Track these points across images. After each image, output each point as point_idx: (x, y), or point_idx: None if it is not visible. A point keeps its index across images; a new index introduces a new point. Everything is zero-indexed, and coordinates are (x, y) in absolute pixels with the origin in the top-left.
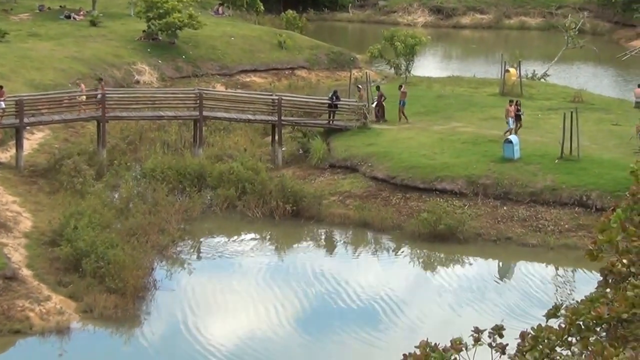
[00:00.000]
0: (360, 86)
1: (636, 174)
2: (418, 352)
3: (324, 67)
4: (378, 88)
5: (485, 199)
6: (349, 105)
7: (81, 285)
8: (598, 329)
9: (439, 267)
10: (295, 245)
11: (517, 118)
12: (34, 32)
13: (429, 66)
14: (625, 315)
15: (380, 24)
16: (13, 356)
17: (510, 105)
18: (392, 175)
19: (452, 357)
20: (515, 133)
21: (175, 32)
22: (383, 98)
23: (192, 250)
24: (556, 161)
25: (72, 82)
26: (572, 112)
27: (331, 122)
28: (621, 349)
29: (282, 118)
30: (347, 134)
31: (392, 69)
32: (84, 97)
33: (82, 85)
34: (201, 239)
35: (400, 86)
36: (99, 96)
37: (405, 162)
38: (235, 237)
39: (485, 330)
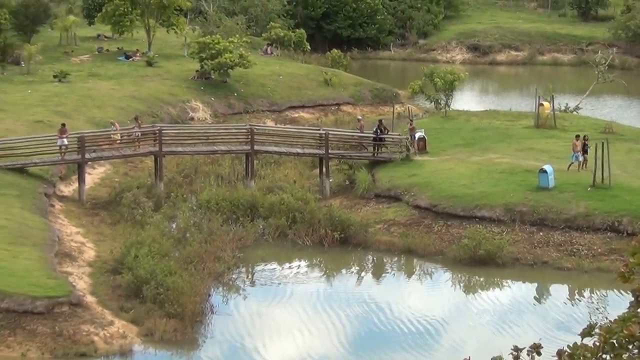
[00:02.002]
0: (412, 119)
1: None
2: None
3: (368, 102)
4: (381, 122)
5: (522, 226)
6: (392, 138)
7: (142, 311)
8: (630, 347)
9: (479, 290)
10: (343, 271)
11: (584, 151)
12: (94, 73)
13: (467, 100)
14: None
15: (420, 62)
16: None
17: (577, 140)
18: (434, 204)
19: None
20: (584, 166)
21: (227, 71)
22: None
23: (246, 276)
24: (589, 189)
25: (129, 119)
26: (603, 143)
27: (376, 154)
28: None
29: (329, 151)
30: (391, 165)
31: (432, 103)
32: (119, 135)
33: (117, 125)
34: (255, 266)
35: (410, 122)
36: (137, 133)
37: (445, 191)
38: (287, 264)
39: (524, 348)
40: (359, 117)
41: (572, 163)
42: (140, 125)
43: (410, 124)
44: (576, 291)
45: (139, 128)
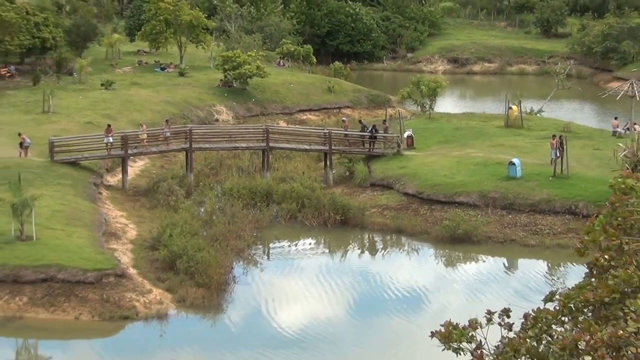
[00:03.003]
0: (385, 120)
1: (614, 187)
2: (443, 329)
3: (365, 106)
4: (360, 121)
5: (494, 209)
6: (385, 136)
7: (176, 281)
8: (586, 310)
9: (458, 263)
10: (344, 248)
11: (561, 146)
12: (134, 82)
13: (447, 105)
14: (607, 299)
15: (408, 72)
16: (123, 337)
17: (553, 139)
18: (420, 191)
19: (470, 334)
20: (556, 161)
21: (246, 80)
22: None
23: (262, 252)
24: (550, 179)
25: (163, 121)
26: (555, 139)
27: (371, 150)
28: (604, 326)
29: (332, 147)
30: (384, 159)
31: (419, 107)
32: (145, 135)
33: (144, 126)
34: (270, 244)
35: (384, 122)
36: (167, 134)
37: (430, 180)
38: (297, 242)
39: (495, 312)
40: (344, 119)
41: (553, 159)
42: (170, 126)
43: (384, 123)
44: (539, 264)
45: (168, 129)
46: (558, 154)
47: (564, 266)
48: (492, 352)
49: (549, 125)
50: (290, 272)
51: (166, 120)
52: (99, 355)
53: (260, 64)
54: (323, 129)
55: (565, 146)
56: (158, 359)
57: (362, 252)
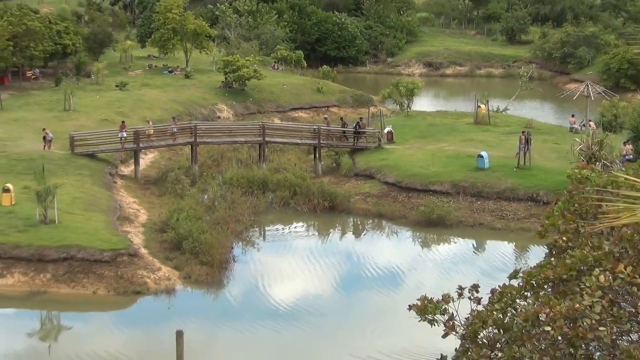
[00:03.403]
0: (361, 118)
1: (572, 177)
2: (419, 303)
3: (350, 105)
4: (342, 118)
5: (465, 197)
6: (368, 131)
7: (182, 260)
8: (546, 286)
9: (432, 245)
10: (331, 231)
11: (527, 142)
12: (145, 83)
13: (423, 104)
14: (565, 276)
15: (388, 75)
16: (136, 309)
17: (522, 135)
18: (399, 180)
19: (443, 307)
20: (525, 156)
21: (245, 82)
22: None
23: (259, 234)
24: (514, 169)
25: (170, 118)
26: (521, 134)
27: (355, 144)
28: (562, 300)
29: (321, 142)
30: (367, 152)
31: (398, 106)
32: (152, 130)
33: (150, 122)
34: (265, 227)
35: (360, 119)
36: (174, 129)
37: (408, 171)
38: (289, 225)
39: (466, 288)
40: (326, 116)
41: (517, 153)
42: (176, 123)
43: (361, 120)
44: (505, 245)
45: (175, 125)
46: (525, 148)
47: (526, 247)
48: (462, 323)
49: (513, 122)
50: (283, 252)
51: (173, 118)
52: (114, 325)
53: (257, 68)
54: (313, 126)
55: (531, 141)
56: (166, 328)
57: (347, 234)
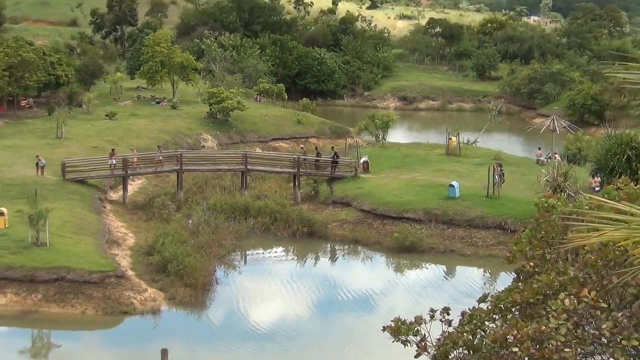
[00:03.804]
0: (333, 147)
1: (539, 206)
2: (393, 324)
3: (328, 136)
4: (316, 148)
5: (436, 224)
6: (345, 161)
7: (167, 282)
8: (513, 310)
9: (405, 270)
10: (309, 256)
11: (501, 175)
12: (134, 113)
13: (397, 135)
14: (532, 300)
15: (365, 108)
16: (123, 328)
17: (497, 166)
18: (374, 208)
19: (415, 328)
20: (499, 186)
21: (229, 113)
22: (336, 156)
23: (241, 258)
24: (484, 199)
25: (156, 147)
26: (494, 166)
27: (333, 173)
28: (529, 323)
29: (300, 170)
30: (344, 180)
31: (373, 137)
32: (136, 158)
33: (134, 151)
34: (247, 251)
35: (332, 148)
36: (159, 157)
37: (382, 199)
38: (270, 250)
39: (437, 310)
40: (302, 146)
41: (497, 182)
42: (161, 151)
43: (332, 149)
44: (474, 271)
45: (160, 153)
46: (499, 179)
47: (494, 273)
48: (434, 344)
49: (482, 154)
50: (263, 276)
51: (158, 146)
52: (102, 344)
53: (240, 99)
54: (292, 155)
55: (504, 173)
56: (152, 347)
57: (325, 259)
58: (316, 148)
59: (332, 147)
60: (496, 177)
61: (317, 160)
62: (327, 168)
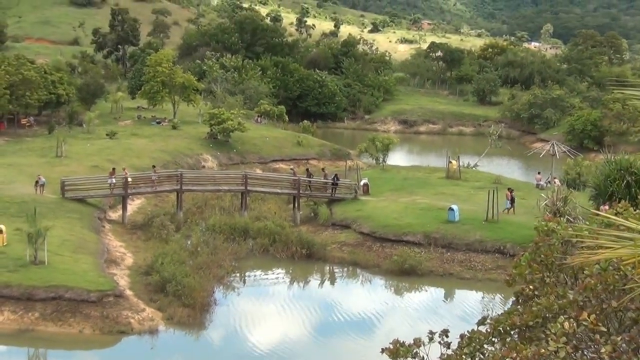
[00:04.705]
0: (323, 169)
1: (538, 229)
2: (391, 346)
3: (328, 158)
4: (323, 169)
5: (436, 247)
6: (345, 184)
7: (165, 302)
8: (512, 332)
9: (405, 292)
10: (308, 278)
11: (512, 200)
12: (134, 133)
13: (397, 158)
14: (531, 323)
15: (365, 130)
16: (120, 348)
17: (508, 191)
18: (373, 230)
19: (414, 350)
20: (510, 211)
21: (229, 133)
22: (337, 178)
23: (240, 279)
24: (483, 222)
25: (160, 166)
26: (493, 190)
27: (333, 195)
28: (528, 346)
29: (300, 192)
30: (344, 202)
31: (374, 160)
32: (129, 178)
33: (126, 171)
34: (246, 272)
35: (322, 169)
36: (154, 177)
37: (382, 222)
38: (269, 272)
39: (436, 332)
40: (291, 167)
41: (505, 208)
42: (155, 171)
43: (323, 171)
44: (473, 294)
45: (154, 173)
46: (509, 205)
47: (493, 296)
48: None
49: (482, 177)
50: (262, 297)
51: (153, 166)
52: None
53: (241, 121)
54: (292, 176)
55: (515, 198)
56: None
57: (323, 281)
58: (307, 169)
59: (322, 169)
60: (507, 202)
61: (309, 181)
62: (327, 190)
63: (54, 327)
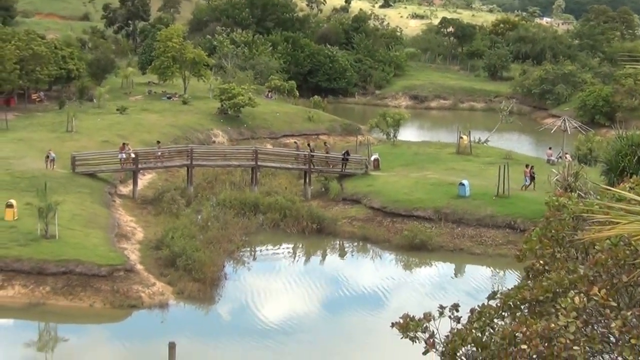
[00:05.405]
0: (326, 143)
1: (549, 204)
2: (401, 321)
3: (338, 133)
4: (325, 144)
5: (446, 223)
6: (355, 159)
7: (176, 276)
8: (522, 307)
9: (415, 268)
10: (318, 252)
11: (532, 178)
12: (145, 108)
13: (408, 134)
14: (541, 298)
15: (376, 106)
16: (130, 322)
17: (527, 168)
18: (384, 205)
19: (424, 325)
20: (527, 188)
21: (240, 109)
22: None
23: (250, 254)
24: (494, 198)
25: (171, 141)
26: (504, 165)
27: (343, 170)
28: (538, 320)
29: (311, 167)
30: (354, 178)
31: (384, 135)
32: (132, 154)
33: (129, 146)
34: (256, 247)
35: (325, 143)
36: (158, 153)
37: (392, 197)
38: (279, 246)
39: (446, 307)
40: (295, 141)
41: (524, 185)
42: (159, 147)
43: (325, 145)
44: (483, 269)
45: (159, 149)
46: (528, 182)
47: (503, 271)
48: (442, 340)
49: (493, 153)
50: (272, 272)
51: (157, 142)
52: (109, 337)
53: (251, 96)
54: (303, 152)
55: (534, 175)
56: (159, 341)
57: (334, 256)
58: (308, 144)
59: (325, 143)
60: (526, 179)
61: (312, 156)
62: (337, 165)
63: (65, 301)
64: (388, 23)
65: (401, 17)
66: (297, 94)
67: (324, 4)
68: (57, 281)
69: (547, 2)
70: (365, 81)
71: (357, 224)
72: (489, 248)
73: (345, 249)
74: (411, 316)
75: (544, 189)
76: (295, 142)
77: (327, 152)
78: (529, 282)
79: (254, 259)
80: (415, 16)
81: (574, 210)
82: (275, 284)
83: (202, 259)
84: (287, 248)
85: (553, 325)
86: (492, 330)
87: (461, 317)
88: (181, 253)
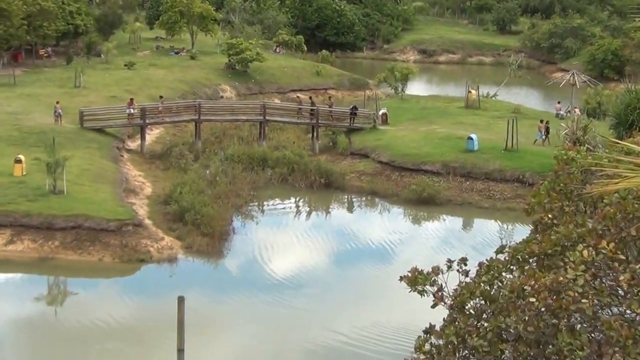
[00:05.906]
0: (330, 98)
1: (558, 158)
2: (410, 274)
3: (347, 88)
4: (330, 98)
5: (454, 177)
6: (363, 113)
7: (184, 230)
8: (531, 261)
9: (423, 222)
10: (327, 206)
11: (547, 131)
12: (152, 63)
13: (417, 88)
14: (549, 251)
15: (384, 60)
16: (139, 276)
17: (541, 123)
18: (392, 160)
19: (432, 278)
20: (548, 142)
21: (247, 64)
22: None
23: (258, 209)
24: (502, 152)
25: (179, 96)
26: (513, 119)
27: (351, 124)
28: (546, 274)
29: (319, 122)
30: (362, 132)
31: (392, 89)
32: (134, 110)
33: (132, 102)
34: (264, 202)
35: (329, 98)
36: (160, 108)
37: (400, 151)
38: (287, 201)
39: (454, 261)
40: (297, 95)
41: (537, 140)
42: (162, 102)
43: (329, 100)
44: (491, 223)
45: (161, 105)
46: (544, 137)
47: (512, 225)
48: (451, 294)
49: (502, 107)
50: (281, 226)
51: (160, 96)
52: (118, 291)
53: (259, 51)
54: (311, 106)
55: (549, 129)
56: (168, 295)
57: (342, 210)
58: (310, 98)
59: (329, 97)
60: (539, 133)
61: (312, 109)
62: (345, 119)
63: (74, 255)
64: None
65: None
66: (305, 48)
67: None
68: (66, 236)
69: None
70: (373, 35)
71: (365, 178)
72: (497, 202)
73: (354, 203)
74: (419, 270)
75: (553, 142)
76: (297, 97)
77: (330, 107)
78: (538, 235)
79: (262, 213)
80: None
81: (582, 163)
82: (283, 238)
83: (210, 214)
84: (295, 202)
85: (561, 278)
86: (500, 284)
87: (469, 270)
88: (189, 208)
